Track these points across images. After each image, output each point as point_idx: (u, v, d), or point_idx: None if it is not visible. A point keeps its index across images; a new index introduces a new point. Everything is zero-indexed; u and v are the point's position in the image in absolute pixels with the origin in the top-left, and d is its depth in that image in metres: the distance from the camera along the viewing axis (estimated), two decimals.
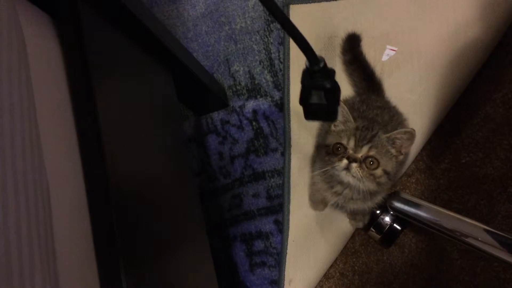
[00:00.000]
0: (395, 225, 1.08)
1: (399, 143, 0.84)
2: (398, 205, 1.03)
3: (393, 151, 0.85)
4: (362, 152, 0.84)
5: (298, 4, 1.31)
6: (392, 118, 0.98)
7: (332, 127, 0.90)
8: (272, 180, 1.23)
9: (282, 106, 1.25)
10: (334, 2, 1.29)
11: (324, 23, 1.27)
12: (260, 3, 1.35)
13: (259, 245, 1.21)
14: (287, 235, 1.18)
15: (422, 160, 1.15)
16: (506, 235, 0.88)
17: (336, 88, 0.66)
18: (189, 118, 1.34)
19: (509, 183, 1.09)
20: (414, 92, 1.14)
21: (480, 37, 1.13)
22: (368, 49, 1.21)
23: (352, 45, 1.15)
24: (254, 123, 1.27)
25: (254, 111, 1.26)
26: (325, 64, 0.62)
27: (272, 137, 1.25)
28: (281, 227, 1.19)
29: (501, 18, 1.13)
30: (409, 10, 1.23)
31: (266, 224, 1.21)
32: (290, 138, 1.22)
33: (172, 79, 1.13)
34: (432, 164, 1.15)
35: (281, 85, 1.26)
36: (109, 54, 0.89)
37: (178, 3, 1.40)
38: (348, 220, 1.12)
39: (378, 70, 1.18)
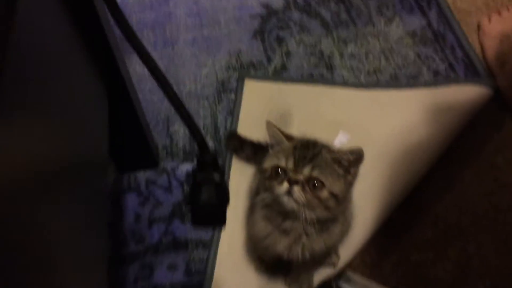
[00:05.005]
0: None
1: (346, 164, 0.74)
2: (346, 286, 0.86)
3: (340, 171, 0.75)
4: (304, 173, 0.73)
5: (253, 80, 1.27)
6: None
7: (270, 150, 0.80)
8: (195, 251, 1.02)
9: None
10: (290, 84, 1.27)
11: (278, 102, 1.23)
12: (213, 73, 1.31)
13: None
14: None
15: (368, 253, 1.02)
16: None
17: (225, 187, 0.61)
18: (107, 172, 1.15)
19: None
20: (366, 179, 1.06)
21: (427, 140, 1.14)
22: (321, 132, 1.15)
23: (236, 142, 1.14)
24: (185, 186, 1.10)
25: (188, 174, 1.11)
26: (216, 158, 0.59)
27: None
28: None
29: (448, 128, 1.15)
30: (363, 104, 1.23)
31: None
32: None
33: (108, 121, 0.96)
34: (379, 258, 1.03)
35: (224, 153, 1.14)
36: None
37: (126, 59, 1.32)
38: None
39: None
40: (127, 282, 1.00)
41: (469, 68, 1.31)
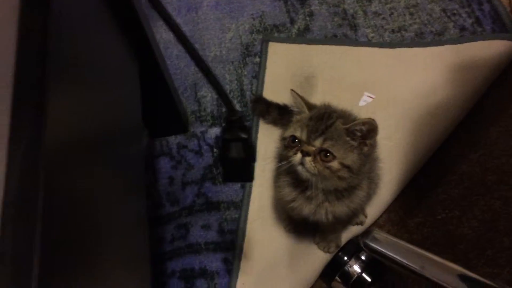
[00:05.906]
0: (364, 275, 0.94)
1: (359, 135, 0.75)
2: (373, 244, 0.90)
3: (353, 143, 0.75)
4: (316, 144, 0.75)
5: (277, 42, 1.28)
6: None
7: (293, 118, 0.83)
8: (227, 212, 1.07)
9: None
10: (314, 46, 1.27)
11: (302, 64, 1.24)
12: (237, 37, 1.32)
13: (201, 285, 1.00)
14: (237, 276, 0.99)
15: (395, 211, 1.06)
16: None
17: (252, 143, 0.66)
18: (141, 138, 1.19)
19: (487, 246, 1.01)
20: (391, 139, 1.08)
21: (452, 99, 1.13)
22: (345, 93, 1.17)
23: (262, 106, 1.15)
24: (215, 149, 1.14)
25: (217, 138, 1.14)
26: (242, 117, 0.64)
27: None
28: (230, 267, 1.01)
29: (473, 85, 1.14)
30: (387, 63, 1.22)
31: (213, 262, 1.02)
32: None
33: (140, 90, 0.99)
34: (406, 217, 1.05)
35: (250, 116, 1.17)
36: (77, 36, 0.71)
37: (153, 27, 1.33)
38: (316, 247, 1.00)
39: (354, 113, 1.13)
40: (165, 241, 1.06)
41: (496, 22, 1.28)
